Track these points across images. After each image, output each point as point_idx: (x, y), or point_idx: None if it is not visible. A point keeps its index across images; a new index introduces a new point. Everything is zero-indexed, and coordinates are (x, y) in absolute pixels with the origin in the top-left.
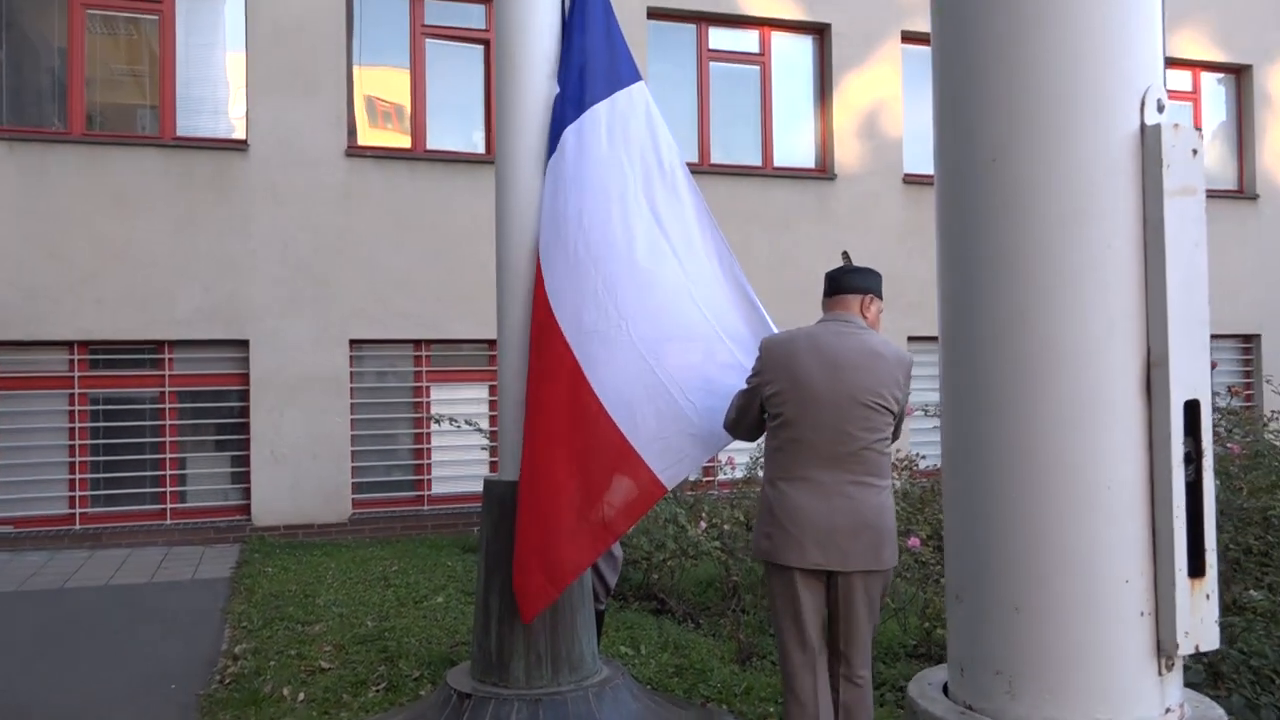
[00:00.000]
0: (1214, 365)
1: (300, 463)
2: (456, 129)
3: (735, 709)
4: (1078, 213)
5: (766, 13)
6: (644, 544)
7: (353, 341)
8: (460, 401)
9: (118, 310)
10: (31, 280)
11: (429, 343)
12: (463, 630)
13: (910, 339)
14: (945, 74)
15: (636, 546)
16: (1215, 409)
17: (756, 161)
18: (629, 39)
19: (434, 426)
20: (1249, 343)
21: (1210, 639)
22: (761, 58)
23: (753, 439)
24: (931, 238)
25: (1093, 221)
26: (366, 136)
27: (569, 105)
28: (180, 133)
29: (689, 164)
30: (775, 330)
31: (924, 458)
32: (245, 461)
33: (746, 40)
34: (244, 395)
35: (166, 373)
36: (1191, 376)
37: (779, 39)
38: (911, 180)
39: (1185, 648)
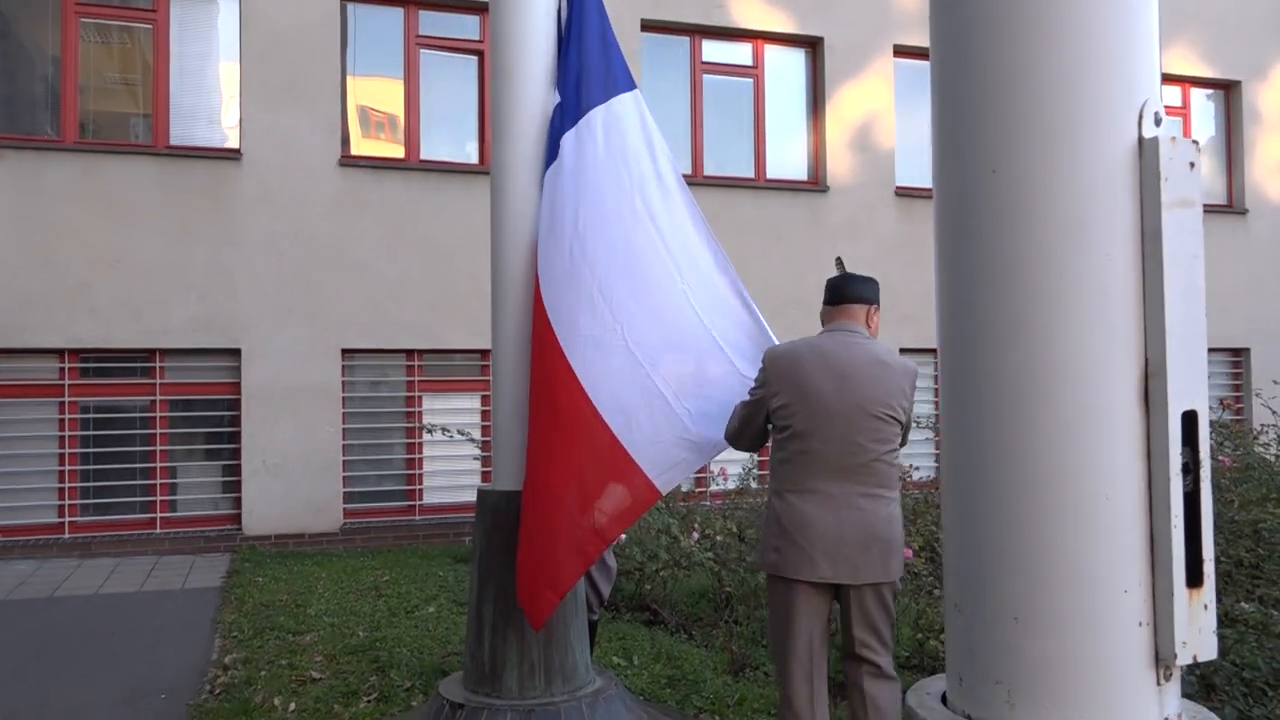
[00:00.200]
0: None
1: (292, 472)
2: (450, 139)
3: None
4: (1077, 224)
5: (760, 26)
6: (637, 555)
7: (345, 351)
8: (452, 411)
9: (110, 319)
10: (24, 288)
11: (421, 352)
12: (455, 640)
13: (903, 350)
14: (945, 86)
15: (629, 557)
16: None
17: (749, 173)
18: (623, 52)
19: (426, 436)
20: (1238, 356)
21: (1208, 649)
22: (755, 70)
23: (755, 450)
24: (924, 250)
25: (1091, 233)
26: (360, 146)
27: (567, 111)
28: (174, 142)
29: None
30: (774, 337)
31: (917, 469)
32: (236, 471)
33: (740, 53)
34: (235, 404)
35: (158, 381)
36: (1189, 387)
37: (772, 52)
38: (904, 193)
39: (1183, 658)
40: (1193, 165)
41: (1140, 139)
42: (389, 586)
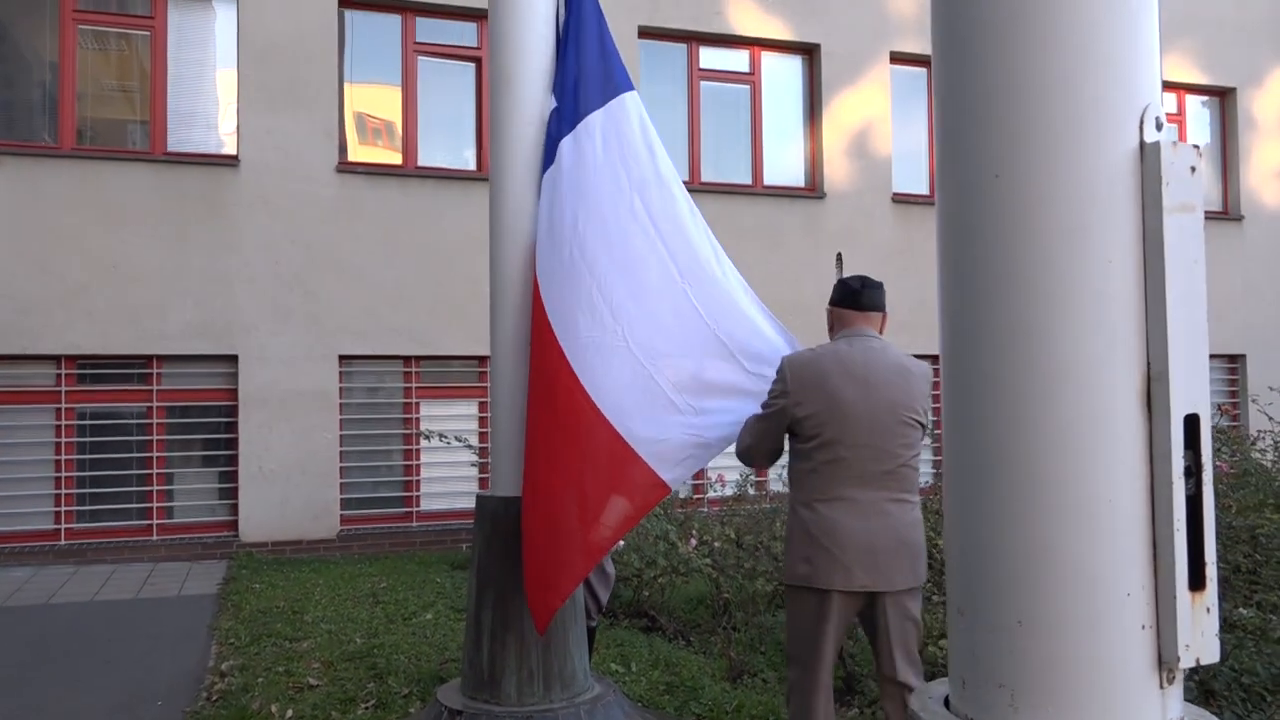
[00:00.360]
0: None
1: (289, 478)
2: (447, 146)
3: None
4: (1079, 228)
5: (757, 33)
6: (635, 561)
7: (342, 357)
8: (450, 418)
9: (107, 325)
10: (21, 294)
11: (419, 359)
12: (452, 647)
13: None
14: (948, 91)
15: (627, 564)
16: None
17: (747, 180)
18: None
19: (423, 443)
20: (1234, 363)
21: (1211, 652)
22: (752, 77)
23: (768, 465)
24: (920, 257)
25: (1093, 237)
26: (357, 153)
27: (565, 117)
28: (171, 148)
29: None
30: (785, 332)
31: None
32: (233, 477)
33: (737, 60)
34: (232, 410)
35: (155, 388)
36: (1191, 391)
37: (769, 59)
38: (900, 199)
39: (1186, 661)
40: (1194, 170)
41: (1142, 143)
42: (386, 593)
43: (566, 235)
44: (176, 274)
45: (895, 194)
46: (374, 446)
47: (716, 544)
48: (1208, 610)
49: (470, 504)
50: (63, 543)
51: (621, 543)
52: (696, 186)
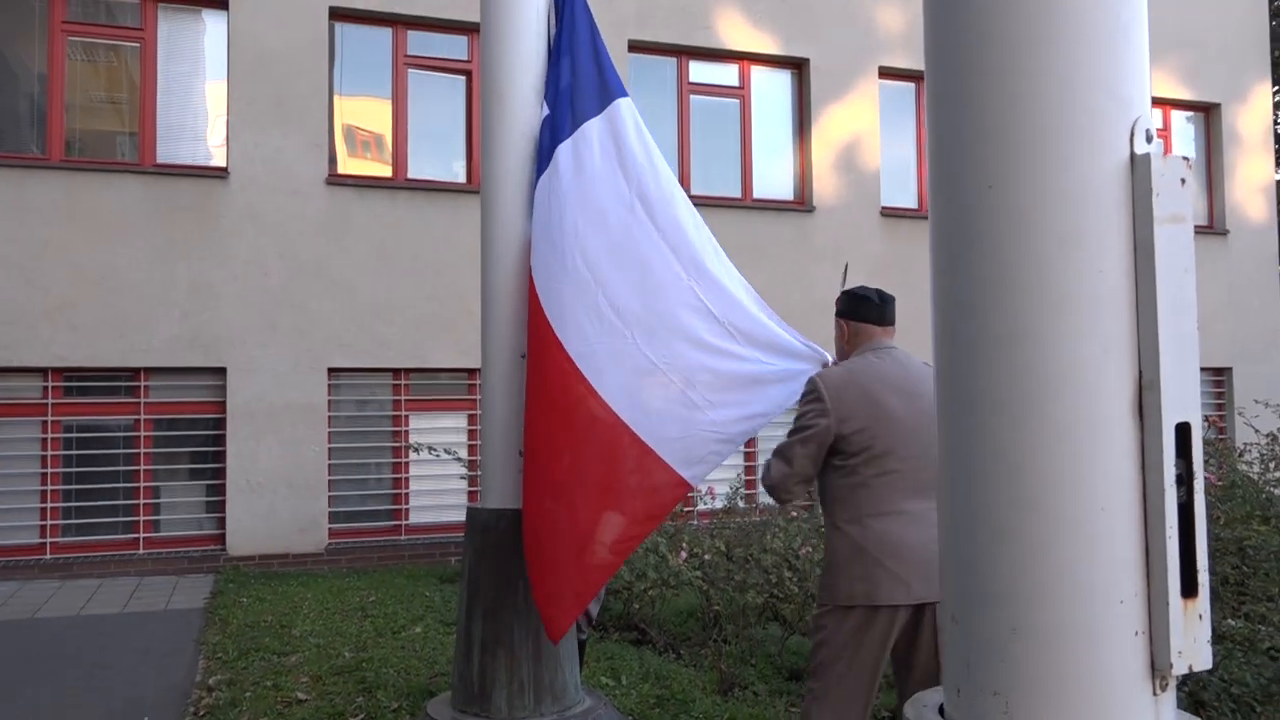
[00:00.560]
0: None
1: (276, 492)
2: (437, 158)
3: None
4: (1071, 237)
5: (746, 47)
6: (625, 574)
7: (331, 370)
8: (439, 431)
9: (95, 337)
10: (7, 306)
11: (408, 371)
12: (442, 661)
13: None
14: (941, 104)
15: (617, 576)
16: None
17: (736, 193)
18: None
19: (412, 456)
20: (1220, 375)
21: (1203, 659)
22: (741, 91)
23: (801, 494)
24: (908, 271)
25: (1085, 246)
26: (347, 165)
27: (560, 123)
28: (160, 160)
29: None
30: (788, 328)
31: None
32: (220, 490)
33: (726, 74)
34: (220, 423)
35: (142, 400)
36: (1182, 399)
37: (758, 73)
38: (889, 213)
39: (1179, 667)
40: (1183, 181)
41: (1132, 155)
42: (375, 607)
43: (568, 242)
44: (165, 286)
45: (884, 208)
46: (362, 459)
47: (707, 557)
48: (1200, 617)
49: (459, 517)
50: (48, 556)
51: None
52: None
